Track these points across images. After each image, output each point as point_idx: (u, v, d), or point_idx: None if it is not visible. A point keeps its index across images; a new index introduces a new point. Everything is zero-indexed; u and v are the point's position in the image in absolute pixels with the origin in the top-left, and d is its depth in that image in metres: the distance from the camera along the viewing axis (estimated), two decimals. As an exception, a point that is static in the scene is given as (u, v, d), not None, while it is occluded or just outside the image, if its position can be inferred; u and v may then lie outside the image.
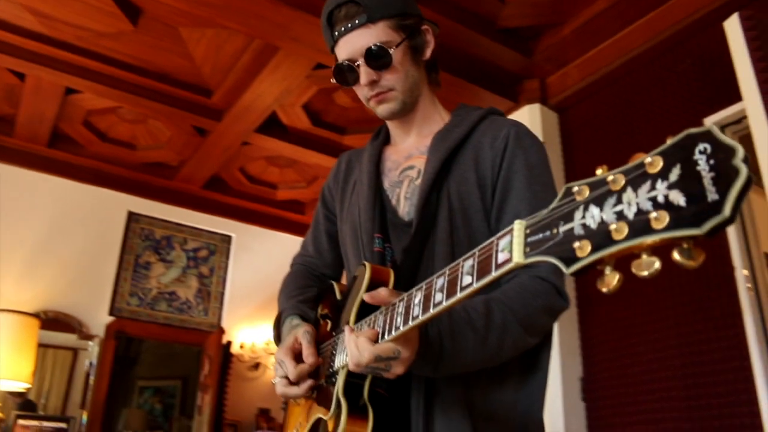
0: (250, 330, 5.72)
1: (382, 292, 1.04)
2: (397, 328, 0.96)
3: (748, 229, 3.07)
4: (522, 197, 1.25)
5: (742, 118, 2.97)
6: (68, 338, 4.91)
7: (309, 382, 1.24)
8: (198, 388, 5.51)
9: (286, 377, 1.25)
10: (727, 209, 0.52)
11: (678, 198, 0.55)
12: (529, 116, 4.11)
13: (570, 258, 0.65)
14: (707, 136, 0.55)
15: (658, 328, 3.32)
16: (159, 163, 5.46)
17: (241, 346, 5.62)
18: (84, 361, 5.00)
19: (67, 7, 3.66)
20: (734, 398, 2.92)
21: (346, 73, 1.35)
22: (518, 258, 0.73)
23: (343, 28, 1.32)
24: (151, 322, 5.29)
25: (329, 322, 1.34)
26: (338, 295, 1.36)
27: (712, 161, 0.54)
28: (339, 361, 1.16)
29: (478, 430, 1.15)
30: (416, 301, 0.93)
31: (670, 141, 0.59)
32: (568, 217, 0.67)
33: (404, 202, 1.35)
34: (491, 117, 1.42)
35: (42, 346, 4.43)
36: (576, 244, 0.64)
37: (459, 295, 0.83)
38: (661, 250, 0.59)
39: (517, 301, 1.12)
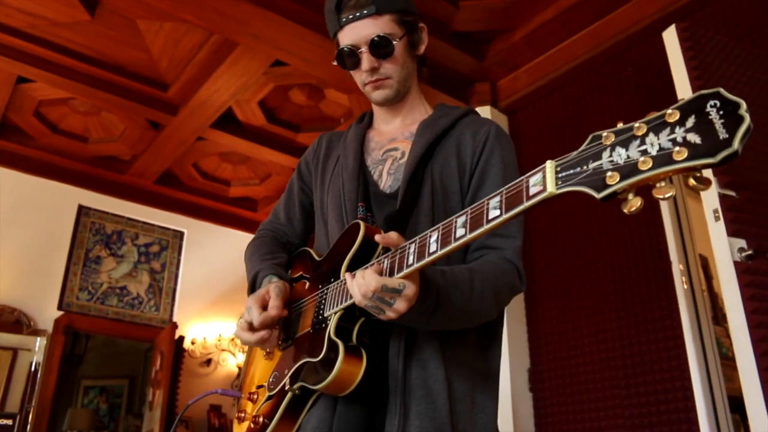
0: (202, 326, 5.71)
1: (393, 235, 1.12)
2: (409, 266, 1.05)
3: (684, 229, 3.26)
4: (496, 186, 1.37)
5: (679, 124, 3.16)
6: (9, 338, 4.82)
7: (263, 333, 1.34)
8: (147, 385, 5.48)
9: (250, 323, 1.34)
10: (736, 143, 0.67)
11: (694, 138, 0.71)
12: (481, 117, 4.25)
13: (601, 186, 0.79)
14: (717, 95, 0.71)
15: (599, 320, 3.49)
16: (111, 156, 5.42)
17: (193, 342, 5.60)
18: (25, 360, 4.91)
19: (21, -7, 3.64)
20: (670, 385, 3.10)
21: (347, 58, 1.47)
22: (551, 188, 0.85)
23: (351, 16, 1.44)
24: (101, 317, 5.23)
25: (307, 283, 1.42)
26: (317, 257, 1.45)
27: (722, 111, 0.70)
28: (329, 308, 1.26)
29: (449, 372, 1.27)
30: (432, 239, 1.04)
31: (683, 100, 0.74)
32: (597, 157, 0.81)
33: (387, 177, 1.48)
34: (472, 115, 1.57)
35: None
36: (607, 175, 0.78)
37: (486, 226, 0.95)
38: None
39: (490, 275, 1.26)
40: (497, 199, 0.95)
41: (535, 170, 0.90)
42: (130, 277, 5.50)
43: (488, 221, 0.95)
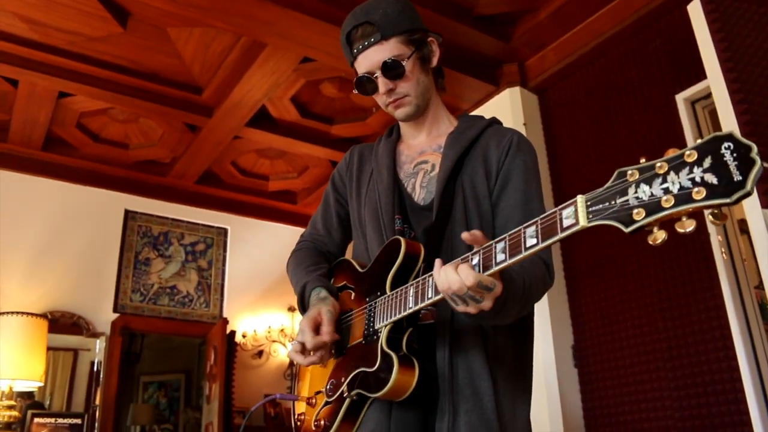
0: (252, 319, 5.88)
1: (478, 233, 1.16)
2: (498, 263, 1.10)
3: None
4: (518, 188, 1.50)
5: (710, 94, 3.13)
6: (68, 339, 5.04)
7: (315, 357, 1.44)
8: (203, 378, 5.67)
9: (302, 344, 1.43)
10: (749, 185, 0.76)
11: (711, 178, 0.79)
12: (510, 99, 4.26)
13: (628, 221, 0.88)
14: (731, 138, 0.79)
15: (641, 295, 3.50)
16: (152, 160, 5.57)
17: (244, 335, 5.77)
18: (85, 360, 5.13)
19: (57, 13, 3.76)
20: (713, 355, 3.11)
21: (366, 85, 1.58)
22: (583, 222, 0.95)
23: (360, 46, 1.54)
24: (155, 316, 5.43)
25: (352, 293, 1.53)
26: (360, 269, 1.55)
27: (735, 154, 0.77)
28: (380, 321, 1.36)
29: (493, 371, 1.36)
30: (499, 248, 1.11)
31: (700, 141, 0.81)
32: (623, 193, 0.89)
33: (420, 190, 1.57)
34: (495, 125, 1.65)
35: (44, 349, 4.53)
36: (634, 211, 0.86)
37: (524, 253, 1.04)
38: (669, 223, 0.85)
39: (530, 270, 1.33)
40: (533, 228, 1.03)
41: (567, 203, 0.98)
42: (179, 276, 5.69)
43: (526, 249, 1.04)
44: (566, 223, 0.97)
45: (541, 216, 1.02)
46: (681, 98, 3.39)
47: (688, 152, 0.81)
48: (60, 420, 4.69)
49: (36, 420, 4.59)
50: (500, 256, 1.08)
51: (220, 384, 5.14)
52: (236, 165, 5.73)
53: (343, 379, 1.41)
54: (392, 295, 1.34)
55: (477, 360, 1.35)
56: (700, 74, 3.08)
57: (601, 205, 0.92)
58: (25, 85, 4.34)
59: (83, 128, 5.03)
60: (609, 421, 3.55)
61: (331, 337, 1.41)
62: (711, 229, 3.16)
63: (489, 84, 4.31)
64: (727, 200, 0.76)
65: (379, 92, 1.57)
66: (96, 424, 4.82)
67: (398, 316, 1.30)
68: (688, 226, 0.81)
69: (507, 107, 4.23)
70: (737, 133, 0.78)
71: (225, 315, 5.71)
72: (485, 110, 4.37)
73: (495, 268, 1.10)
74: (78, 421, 4.71)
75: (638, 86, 3.71)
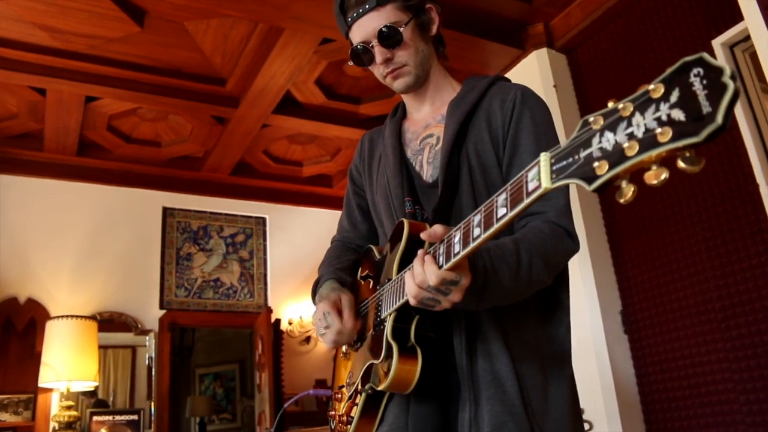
0: (297, 305, 5.89)
1: (438, 229, 1.10)
2: (456, 254, 1.03)
3: (769, 146, 3.06)
4: (530, 151, 1.37)
5: (749, 36, 2.94)
6: (125, 337, 5.15)
7: (348, 336, 1.39)
8: (255, 368, 5.72)
9: (329, 326, 1.40)
10: (719, 118, 0.61)
11: (679, 115, 0.64)
12: (538, 62, 4.11)
13: (591, 177, 0.74)
14: (700, 62, 0.64)
15: (689, 254, 3.35)
16: (185, 156, 5.61)
17: (290, 323, 5.79)
18: (143, 356, 5.23)
19: (74, 18, 3.77)
20: (771, 313, 2.96)
21: (362, 55, 1.48)
22: (546, 184, 0.83)
23: (355, 14, 1.45)
24: (201, 310, 5.48)
25: (371, 281, 1.46)
26: (377, 255, 1.48)
27: (705, 81, 0.63)
28: (385, 310, 1.28)
29: (514, 355, 1.28)
30: (456, 239, 1.04)
31: (669, 70, 0.67)
32: (587, 144, 0.76)
33: (427, 167, 1.48)
34: (499, 83, 1.53)
35: (102, 347, 4.61)
36: (595, 165, 0.74)
37: (496, 225, 0.93)
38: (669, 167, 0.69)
39: (537, 242, 1.24)
40: (503, 195, 0.93)
41: (532, 164, 0.87)
42: (221, 268, 5.72)
43: (498, 220, 0.93)
44: (531, 186, 0.86)
45: (511, 181, 0.92)
46: (718, 43, 3.19)
47: (653, 87, 0.68)
48: (118, 417, 4.80)
49: (95, 418, 4.71)
50: (476, 231, 0.99)
51: (269, 373, 5.18)
52: (268, 153, 5.72)
53: (358, 372, 1.36)
54: (396, 280, 1.26)
55: (495, 343, 1.27)
56: (737, 15, 2.90)
57: (565, 162, 0.80)
58: (53, 93, 4.38)
59: (114, 130, 5.08)
60: (664, 387, 3.43)
61: (353, 322, 1.39)
62: (760, 179, 2.99)
63: (515, 48, 4.16)
64: (696, 139, 0.62)
65: (376, 62, 1.47)
66: (152, 419, 4.91)
67: (399, 304, 1.21)
68: (658, 175, 0.67)
69: (535, 70, 4.08)
70: (708, 56, 0.64)
71: (269, 304, 5.74)
72: (513, 75, 4.22)
73: (454, 260, 1.02)
74: (135, 417, 4.81)
75: (671, 35, 3.52)
